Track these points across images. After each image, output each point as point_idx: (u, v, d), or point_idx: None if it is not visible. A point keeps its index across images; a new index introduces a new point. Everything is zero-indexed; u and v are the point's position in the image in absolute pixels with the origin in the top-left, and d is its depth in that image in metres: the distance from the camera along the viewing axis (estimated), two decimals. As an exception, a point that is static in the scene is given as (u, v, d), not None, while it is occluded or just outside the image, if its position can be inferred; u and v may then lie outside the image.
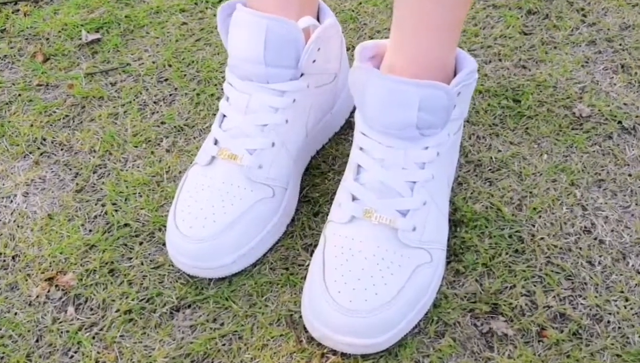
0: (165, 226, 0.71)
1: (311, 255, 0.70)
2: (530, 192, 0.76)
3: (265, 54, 0.66)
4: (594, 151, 0.80)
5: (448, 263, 0.69)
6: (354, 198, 0.63)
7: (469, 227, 0.72)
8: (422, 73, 0.61)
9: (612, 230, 0.72)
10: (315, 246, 0.70)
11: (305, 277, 0.67)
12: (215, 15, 0.98)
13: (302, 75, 0.69)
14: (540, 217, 0.73)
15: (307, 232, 0.72)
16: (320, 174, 0.78)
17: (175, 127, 0.84)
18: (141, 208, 0.75)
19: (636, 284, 0.68)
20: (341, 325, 0.58)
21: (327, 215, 0.73)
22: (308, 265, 0.69)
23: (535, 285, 0.68)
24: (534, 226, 0.72)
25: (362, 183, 0.63)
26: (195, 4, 1.01)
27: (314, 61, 0.69)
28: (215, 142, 0.69)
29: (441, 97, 0.59)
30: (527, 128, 0.82)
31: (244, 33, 0.66)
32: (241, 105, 0.68)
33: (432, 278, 0.64)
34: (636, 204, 0.74)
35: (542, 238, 0.71)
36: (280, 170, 0.69)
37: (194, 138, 0.82)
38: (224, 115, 0.70)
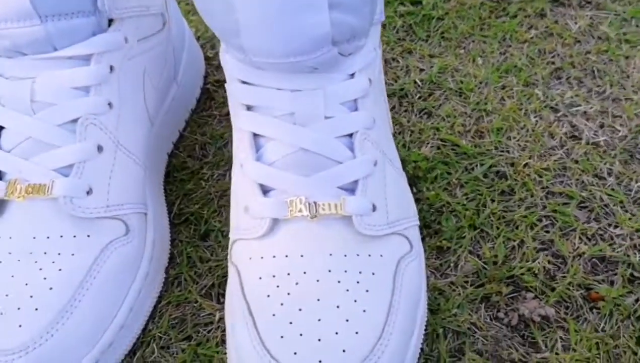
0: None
1: (219, 303, 0.43)
2: (484, 110, 0.54)
3: (34, -2, 0.37)
4: (532, 37, 0.60)
5: (422, 240, 0.45)
6: (265, 191, 0.37)
7: (427, 181, 0.49)
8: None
9: (601, 126, 0.53)
10: (221, 286, 0.43)
11: (223, 342, 0.40)
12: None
13: (110, 22, 0.41)
14: (509, 138, 0.52)
15: (200, 269, 0.45)
16: (190, 174, 0.51)
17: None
18: None
19: (668, 184, 0.49)
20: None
21: (224, 233, 0.46)
22: (220, 319, 0.42)
23: (548, 231, 0.46)
24: (508, 152, 0.51)
25: (270, 163, 0.37)
26: None
27: (124, -5, 0.42)
28: (-1, 175, 0.40)
29: (359, -23, 0.35)
30: (442, 33, 0.61)
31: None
32: (23, 100, 0.39)
33: (419, 273, 0.40)
34: (611, 85, 0.56)
35: (526, 165, 0.50)
36: (126, 187, 0.42)
37: (-26, 184, 0.51)
38: (0, 127, 0.40)
